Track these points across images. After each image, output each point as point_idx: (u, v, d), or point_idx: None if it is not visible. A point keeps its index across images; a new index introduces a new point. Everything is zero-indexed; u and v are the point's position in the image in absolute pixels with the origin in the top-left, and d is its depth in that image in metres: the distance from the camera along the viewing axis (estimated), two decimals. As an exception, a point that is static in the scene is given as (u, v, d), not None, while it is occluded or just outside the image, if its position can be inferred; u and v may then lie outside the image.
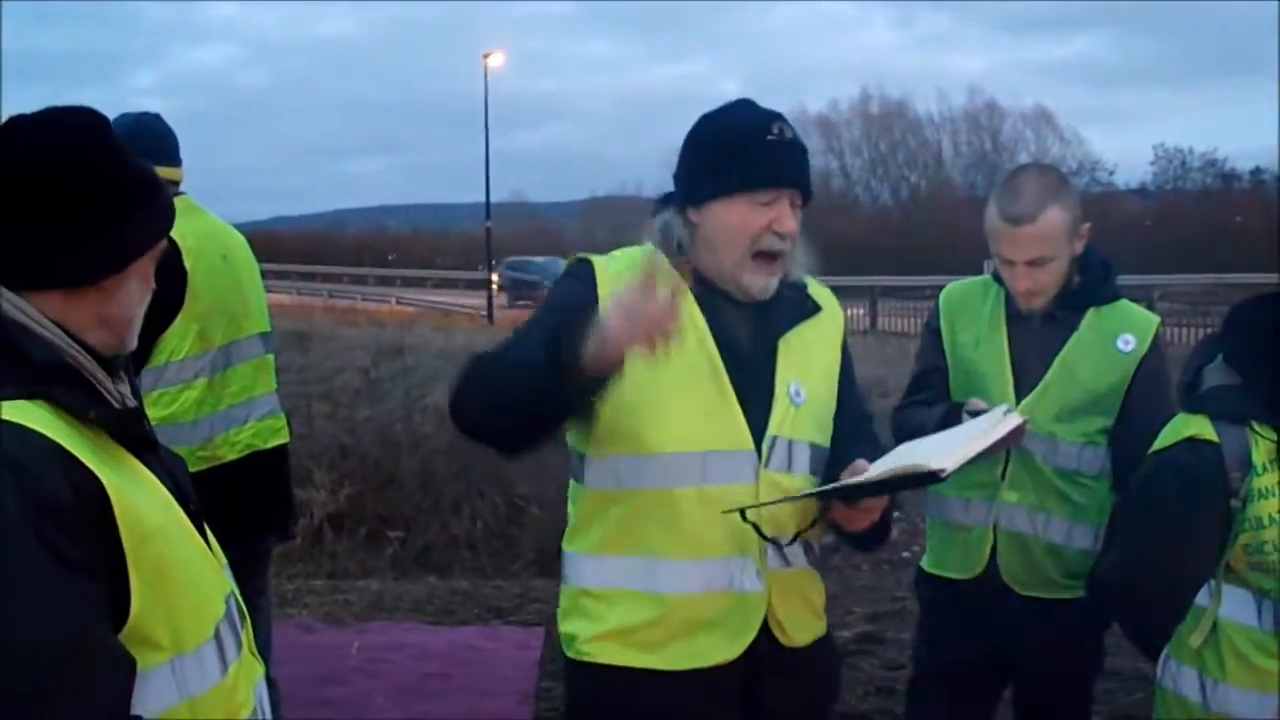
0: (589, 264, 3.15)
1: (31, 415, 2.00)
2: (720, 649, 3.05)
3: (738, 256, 3.06)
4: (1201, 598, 3.17)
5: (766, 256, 3.06)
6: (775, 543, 3.05)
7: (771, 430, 3.07)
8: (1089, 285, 3.97)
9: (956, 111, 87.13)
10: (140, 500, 2.08)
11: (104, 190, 2.16)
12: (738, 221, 3.04)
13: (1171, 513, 3.12)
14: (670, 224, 3.18)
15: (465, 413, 2.99)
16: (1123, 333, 3.94)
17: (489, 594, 8.62)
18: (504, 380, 2.87)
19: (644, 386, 2.96)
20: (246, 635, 2.41)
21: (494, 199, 55.55)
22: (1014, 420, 3.12)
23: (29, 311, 2.11)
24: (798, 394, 3.12)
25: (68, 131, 2.19)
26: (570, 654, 3.21)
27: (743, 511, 2.94)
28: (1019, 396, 3.92)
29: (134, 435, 2.19)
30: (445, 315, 42.90)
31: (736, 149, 3.07)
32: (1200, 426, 3.10)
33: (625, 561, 3.09)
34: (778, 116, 3.11)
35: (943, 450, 2.92)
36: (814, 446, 3.15)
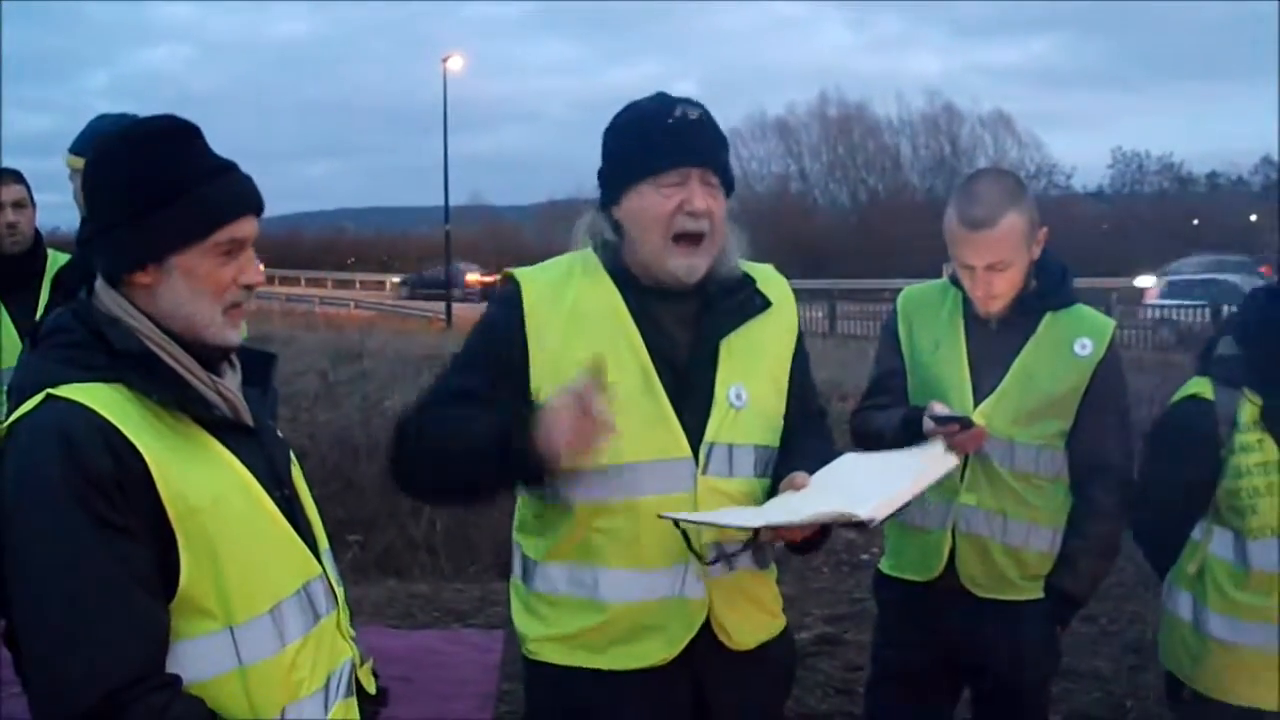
0: (516, 285, 3.17)
1: (94, 395, 2.25)
2: (659, 650, 3.08)
3: (658, 243, 3.07)
4: (1197, 534, 3.75)
5: (687, 239, 3.06)
6: (710, 558, 3.06)
7: (709, 437, 3.08)
8: (1046, 289, 3.98)
9: (915, 115, 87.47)
10: (193, 476, 2.29)
11: (123, 190, 2.38)
12: (649, 207, 3.06)
13: (1171, 452, 3.79)
14: (594, 224, 3.21)
15: (408, 482, 3.19)
16: (1080, 337, 3.96)
17: (449, 597, 8.59)
18: (454, 469, 3.03)
19: None
20: (334, 619, 2.59)
21: (453, 202, 55.36)
22: (951, 462, 3.11)
23: (122, 303, 2.39)
24: (738, 397, 3.12)
25: (123, 137, 2.47)
26: (523, 651, 3.27)
27: (676, 521, 2.95)
28: (976, 400, 3.93)
29: (212, 418, 2.40)
30: (404, 319, 42.82)
31: (639, 137, 3.11)
32: (1202, 386, 3.73)
33: (569, 570, 3.14)
34: (685, 102, 3.11)
35: (879, 484, 2.93)
36: (758, 448, 3.16)
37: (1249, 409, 3.62)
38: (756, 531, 2.97)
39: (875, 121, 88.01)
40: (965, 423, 3.72)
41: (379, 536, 9.93)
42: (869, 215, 79.72)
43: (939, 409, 3.76)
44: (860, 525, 2.80)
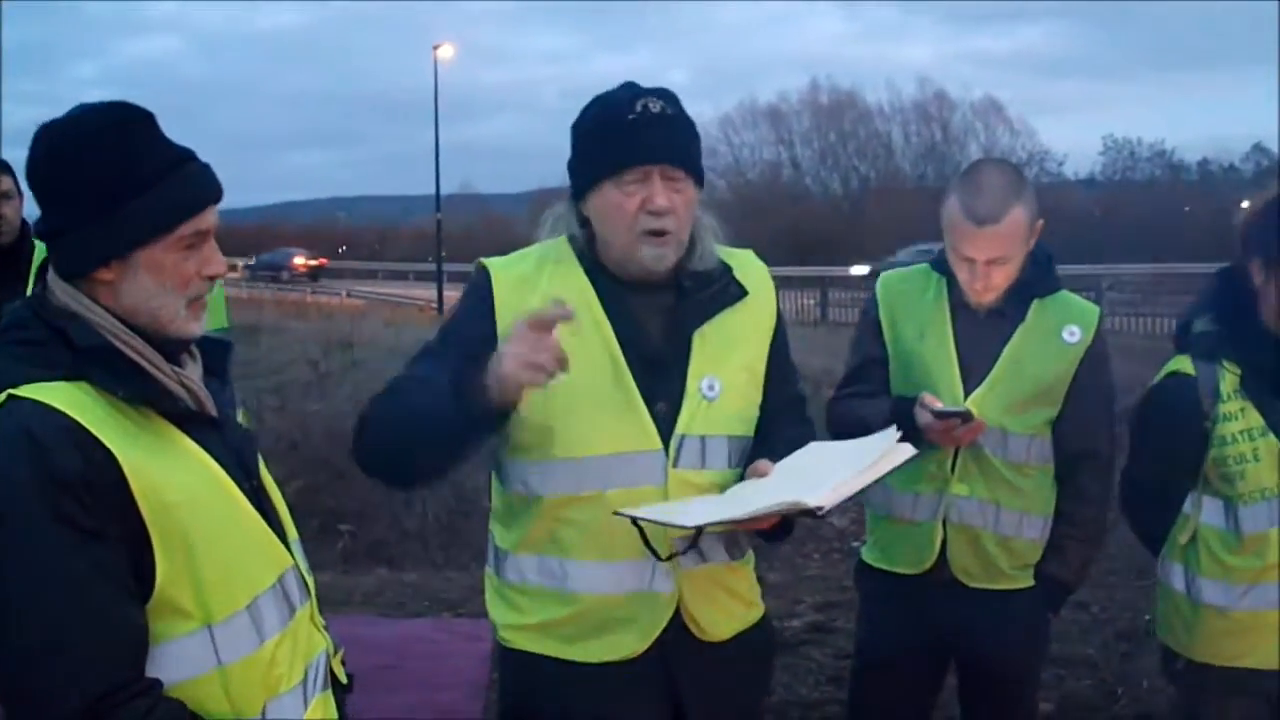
0: (486, 273, 3.15)
1: (58, 395, 2.18)
2: (629, 643, 3.08)
3: (626, 239, 3.04)
4: (1187, 507, 3.84)
5: (654, 234, 3.02)
6: (672, 551, 3.03)
7: (680, 429, 3.05)
8: (1033, 277, 3.95)
9: (906, 102, 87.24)
10: (165, 473, 2.23)
11: (84, 186, 2.29)
12: (612, 206, 3.03)
13: (1158, 429, 3.91)
14: (562, 218, 3.19)
15: (370, 453, 3.07)
16: (1068, 324, 3.94)
17: (440, 586, 8.59)
18: (411, 427, 2.92)
19: (549, 397, 2.97)
20: (308, 610, 2.54)
21: (444, 191, 55.38)
22: (909, 452, 3.07)
23: (80, 298, 2.31)
24: (711, 388, 3.09)
25: (73, 127, 2.35)
26: (497, 638, 3.28)
27: (634, 519, 2.90)
28: (966, 389, 3.90)
29: (178, 412, 2.33)
30: (395, 307, 42.79)
31: (599, 135, 3.07)
32: (1183, 363, 3.83)
33: (540, 561, 3.13)
34: (650, 94, 3.05)
35: (835, 471, 2.91)
36: (732, 439, 3.13)
37: (1229, 379, 3.74)
38: (699, 529, 2.92)
39: (867, 108, 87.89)
40: (965, 416, 3.70)
41: (370, 526, 9.93)
42: (861, 202, 79.58)
43: (936, 403, 3.74)
44: (811, 513, 2.78)
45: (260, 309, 31.41)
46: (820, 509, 2.75)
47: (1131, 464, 4.04)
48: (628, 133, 3.00)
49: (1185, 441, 3.78)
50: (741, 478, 3.10)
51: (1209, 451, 3.75)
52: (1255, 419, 3.71)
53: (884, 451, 3.03)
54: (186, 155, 2.39)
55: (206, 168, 2.42)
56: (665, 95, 3.07)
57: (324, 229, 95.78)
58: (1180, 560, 3.88)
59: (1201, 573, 3.81)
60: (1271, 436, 3.69)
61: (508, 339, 2.74)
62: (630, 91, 3.07)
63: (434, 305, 42.82)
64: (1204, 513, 3.81)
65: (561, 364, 2.70)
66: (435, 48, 55.39)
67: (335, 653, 2.69)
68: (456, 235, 65.24)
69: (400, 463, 3.06)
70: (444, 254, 51.48)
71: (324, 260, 68.81)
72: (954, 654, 4.11)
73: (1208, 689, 3.86)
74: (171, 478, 2.24)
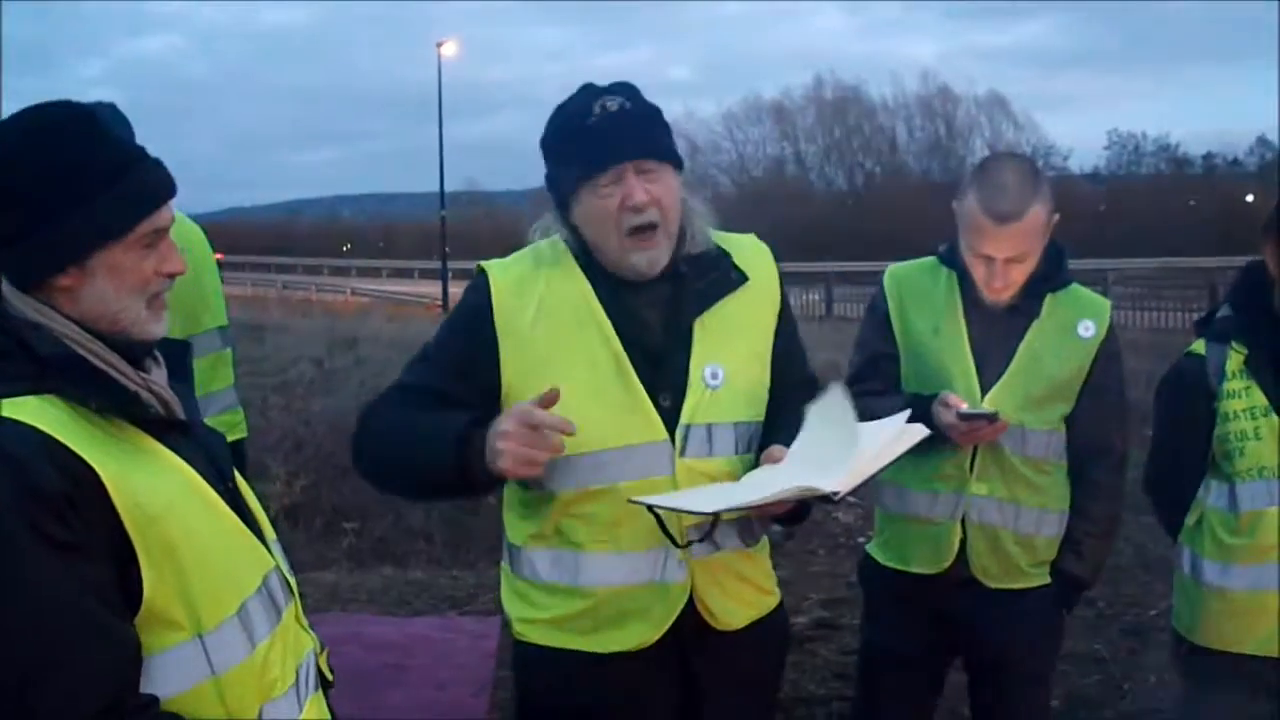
0: (485, 278, 3.16)
1: (28, 410, 2.10)
2: (643, 633, 3.09)
3: (614, 242, 3.05)
4: (1199, 491, 3.91)
5: (639, 232, 3.03)
6: (674, 540, 3.04)
7: (685, 418, 3.06)
8: (1046, 272, 3.92)
9: (910, 97, 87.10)
10: (145, 483, 2.16)
11: (34, 189, 2.20)
12: (594, 211, 3.04)
13: (1170, 405, 4.07)
14: (550, 229, 3.20)
15: (369, 473, 3.27)
16: (1082, 319, 3.93)
17: (445, 584, 8.57)
18: (410, 473, 3.13)
19: None
20: (293, 611, 2.50)
21: (448, 188, 55.41)
22: (920, 432, 3.08)
23: (39, 307, 2.22)
24: (714, 376, 3.09)
25: (17, 130, 2.25)
26: (512, 633, 3.31)
27: (650, 506, 2.92)
28: (981, 386, 3.87)
29: (149, 419, 2.26)
30: (400, 305, 42.82)
31: (564, 145, 3.09)
32: (1197, 345, 3.96)
33: (553, 555, 3.16)
34: (606, 92, 3.07)
35: (850, 454, 2.89)
36: (739, 425, 3.14)
37: (1235, 358, 3.84)
38: (716, 514, 2.93)
39: (871, 104, 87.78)
40: (992, 418, 3.68)
41: (375, 523, 9.91)
42: (865, 198, 79.52)
43: (960, 404, 3.72)
44: (827, 498, 2.78)
45: (266, 307, 31.42)
46: (836, 493, 2.76)
47: (1151, 446, 4.13)
48: (590, 137, 3.02)
49: (1193, 417, 3.88)
50: (755, 463, 3.11)
51: (1215, 429, 3.84)
52: (1259, 398, 3.79)
53: (896, 432, 3.03)
54: (138, 153, 2.33)
55: (159, 164, 2.36)
56: (624, 90, 3.08)
57: (329, 227, 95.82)
58: (1189, 543, 3.95)
59: (1204, 554, 3.87)
60: (1274, 416, 3.76)
61: (502, 430, 2.80)
62: (587, 95, 3.09)
63: (438, 302, 42.84)
64: (1211, 495, 3.88)
65: (557, 449, 2.82)
66: (439, 44, 55.54)
67: (321, 651, 2.66)
68: (461, 232, 65.27)
69: (395, 490, 3.38)
70: (448, 251, 51.52)
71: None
72: (965, 652, 4.10)
73: (1209, 675, 3.89)
74: (151, 487, 2.17)
